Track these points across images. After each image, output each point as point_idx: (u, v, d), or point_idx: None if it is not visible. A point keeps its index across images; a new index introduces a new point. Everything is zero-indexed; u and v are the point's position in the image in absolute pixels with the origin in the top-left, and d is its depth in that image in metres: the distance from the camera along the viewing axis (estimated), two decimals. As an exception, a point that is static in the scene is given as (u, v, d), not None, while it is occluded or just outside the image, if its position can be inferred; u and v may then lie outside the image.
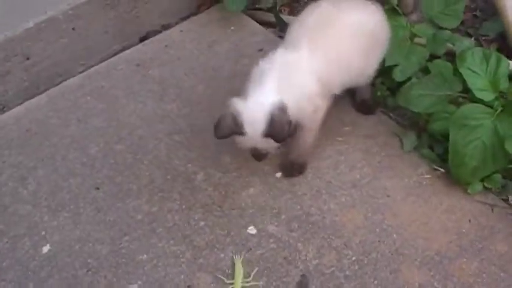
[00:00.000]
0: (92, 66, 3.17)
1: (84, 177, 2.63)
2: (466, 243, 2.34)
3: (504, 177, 2.52)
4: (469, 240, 2.35)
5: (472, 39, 3.10)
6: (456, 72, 2.56)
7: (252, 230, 2.40)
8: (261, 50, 3.12)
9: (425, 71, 2.73)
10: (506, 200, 2.47)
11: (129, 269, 2.32)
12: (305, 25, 2.44)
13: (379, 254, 2.32)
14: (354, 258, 2.31)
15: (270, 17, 3.35)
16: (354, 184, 2.53)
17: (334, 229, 2.39)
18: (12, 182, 2.63)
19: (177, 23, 3.40)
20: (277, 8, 3.37)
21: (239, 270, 2.26)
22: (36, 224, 2.48)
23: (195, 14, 3.44)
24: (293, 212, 2.45)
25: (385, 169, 2.58)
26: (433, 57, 2.77)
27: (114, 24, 3.17)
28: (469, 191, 2.48)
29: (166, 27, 3.37)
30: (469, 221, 2.40)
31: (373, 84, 2.77)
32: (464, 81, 2.48)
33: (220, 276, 2.28)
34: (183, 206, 2.49)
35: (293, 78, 2.34)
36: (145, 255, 2.35)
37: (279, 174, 2.53)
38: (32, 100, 3.00)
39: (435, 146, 2.63)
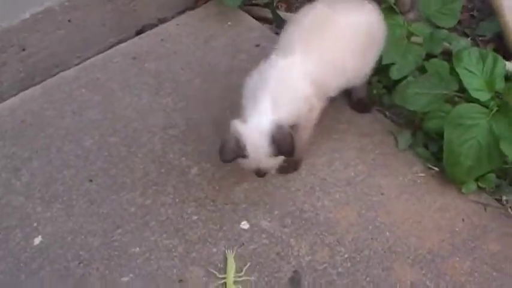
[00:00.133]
0: (88, 58, 3.15)
1: (78, 169, 2.62)
2: (459, 242, 2.33)
3: (498, 177, 2.52)
4: (461, 239, 2.34)
5: (469, 39, 3.10)
6: (452, 72, 2.55)
7: (244, 225, 2.40)
8: (257, 45, 3.12)
9: (422, 69, 2.72)
10: (499, 200, 2.47)
11: (122, 261, 2.31)
12: (300, 27, 2.43)
13: (371, 252, 2.31)
14: (346, 255, 2.30)
15: (267, 13, 3.34)
16: (348, 181, 2.52)
17: (328, 226, 2.38)
18: (6, 173, 2.62)
19: (173, 17, 3.39)
20: (274, 4, 3.36)
21: (231, 265, 2.25)
22: (29, 215, 2.46)
23: (192, 8, 3.43)
24: (286, 208, 2.44)
25: (379, 167, 2.57)
26: (429, 56, 2.77)
27: (111, 17, 3.16)
28: (463, 190, 2.48)
29: (162, 20, 3.36)
30: (462, 220, 2.40)
31: (369, 82, 2.76)
32: (460, 81, 2.47)
33: (212, 270, 2.27)
34: (177, 200, 2.48)
35: (287, 85, 2.32)
36: (137, 248, 2.34)
37: (273, 171, 2.52)
38: (27, 91, 2.99)
39: (430, 145, 2.63)
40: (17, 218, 2.45)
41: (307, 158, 2.57)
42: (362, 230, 2.37)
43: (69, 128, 2.78)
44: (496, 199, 2.47)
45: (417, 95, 2.54)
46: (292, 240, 2.35)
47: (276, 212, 2.43)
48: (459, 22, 2.98)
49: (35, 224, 2.44)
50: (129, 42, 3.24)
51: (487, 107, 2.43)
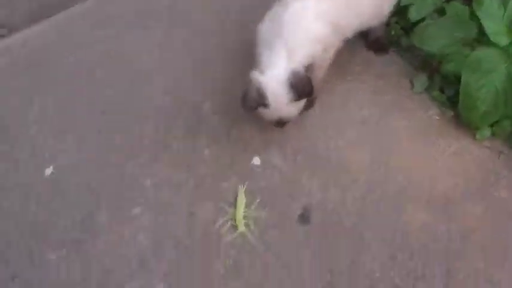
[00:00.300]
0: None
1: (90, 101, 2.59)
2: (472, 187, 2.29)
3: (513, 125, 2.46)
4: (474, 185, 2.30)
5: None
6: (472, 16, 2.47)
7: (256, 160, 2.37)
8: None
9: (441, 12, 2.63)
10: (513, 148, 2.42)
11: (132, 193, 2.29)
12: None
13: (383, 193, 2.28)
14: (357, 195, 2.27)
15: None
16: (362, 122, 2.48)
17: (340, 165, 2.35)
18: (17, 105, 2.59)
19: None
20: None
21: (242, 200, 2.23)
22: (40, 146, 2.45)
23: None
24: (299, 146, 2.41)
25: (394, 109, 2.52)
26: (449, -2, 2.69)
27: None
28: (477, 135, 2.43)
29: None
30: (476, 165, 2.36)
31: (387, 23, 2.68)
32: (479, 26, 2.40)
33: (222, 204, 2.24)
34: (189, 134, 2.46)
35: (301, 27, 2.25)
36: (148, 181, 2.32)
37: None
38: (40, 24, 2.93)
39: (446, 89, 2.56)
40: (29, 149, 2.43)
41: (321, 97, 2.51)
42: (374, 171, 2.33)
43: (81, 60, 2.74)
44: (510, 146, 2.41)
45: (436, 37, 2.47)
46: (303, 177, 2.32)
47: (289, 149, 2.40)
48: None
49: (47, 155, 2.42)
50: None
51: (506, 52, 2.35)
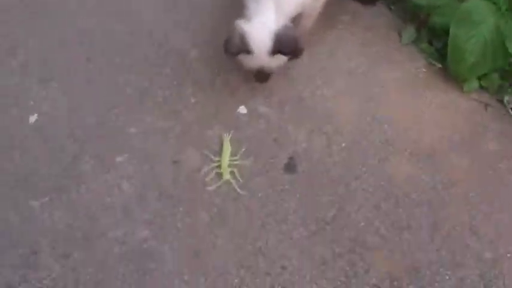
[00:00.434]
0: None
1: (75, 50, 2.51)
2: (458, 139, 2.26)
3: (502, 79, 2.40)
4: (461, 137, 2.26)
5: None
6: (461, -32, 2.40)
7: (242, 109, 2.31)
8: None
9: (430, -37, 2.56)
10: (501, 101, 2.37)
11: (117, 141, 2.23)
12: None
13: (369, 143, 2.23)
14: (343, 144, 2.22)
15: None
16: (349, 72, 2.42)
17: (326, 114, 2.30)
18: (1, 52, 2.50)
19: None
20: None
21: (227, 148, 2.17)
22: (25, 94, 2.37)
23: None
24: (286, 95, 2.35)
25: (382, 60, 2.46)
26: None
27: None
28: (465, 88, 2.38)
29: None
30: (463, 117, 2.31)
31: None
32: (469, -23, 2.33)
33: (207, 153, 2.19)
34: (175, 82, 2.39)
35: None
36: (133, 129, 2.26)
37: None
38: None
39: (434, 41, 2.51)
40: (13, 97, 2.35)
41: (309, 47, 2.44)
42: (360, 121, 2.28)
43: (69, 9, 2.64)
44: (497, 99, 2.38)
45: (425, -12, 2.41)
46: (289, 126, 2.27)
47: (275, 98, 2.34)
48: None
49: (31, 103, 2.35)
50: None
51: (496, 4, 2.29)
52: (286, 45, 2.12)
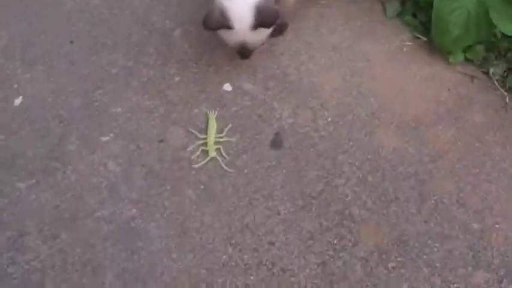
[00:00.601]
0: None
1: (58, 32, 2.44)
2: (444, 111, 2.21)
3: (487, 51, 2.36)
4: (446, 109, 2.22)
5: None
6: None
7: (227, 87, 2.26)
8: None
9: None
10: (486, 73, 2.33)
11: (102, 121, 2.18)
12: None
13: (355, 116, 2.18)
14: (329, 119, 2.17)
15: None
16: (333, 47, 2.36)
17: (311, 90, 2.25)
18: (-17, 36, 2.43)
19: None
20: None
21: (212, 126, 2.13)
22: (9, 77, 2.31)
23: None
24: (270, 71, 2.29)
25: (366, 34, 2.41)
26: None
27: None
28: (450, 60, 2.33)
29: None
30: (448, 90, 2.26)
31: None
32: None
33: (193, 131, 2.14)
34: (159, 62, 2.33)
35: None
36: (118, 109, 2.21)
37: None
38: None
39: (419, 14, 2.46)
40: (-3, 80, 2.28)
41: (293, 23, 2.40)
42: (346, 95, 2.23)
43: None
44: (483, 71, 2.33)
45: (408, -40, 2.35)
46: (275, 102, 2.22)
47: (260, 75, 2.28)
48: None
49: (16, 86, 2.29)
50: None
51: (479, -25, 2.24)
52: (267, 18, 2.06)
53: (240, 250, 1.92)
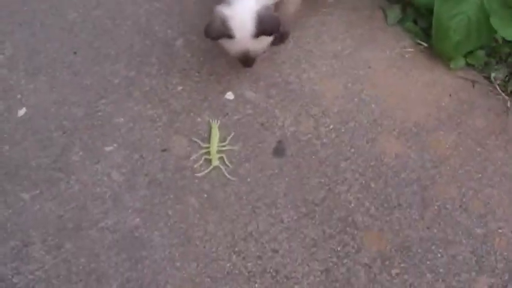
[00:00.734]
0: None
1: (62, 42, 2.45)
2: (445, 116, 2.21)
3: (488, 56, 2.36)
4: (448, 114, 2.22)
5: None
6: None
7: (229, 95, 2.26)
8: None
9: None
10: (487, 77, 2.33)
11: (105, 131, 2.18)
12: None
13: (356, 123, 2.18)
14: (331, 126, 2.17)
15: None
16: (335, 54, 2.37)
17: (313, 97, 2.25)
18: (-12, 46, 2.44)
19: None
20: None
21: (215, 134, 2.12)
22: (12, 87, 2.31)
23: None
24: (272, 79, 2.30)
25: (367, 41, 2.41)
26: None
27: None
28: (451, 65, 2.34)
29: None
30: (449, 95, 2.26)
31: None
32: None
33: (196, 139, 2.14)
34: (161, 71, 2.33)
35: None
36: (121, 119, 2.21)
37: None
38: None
39: (419, 21, 2.47)
40: (0, 90, 2.30)
41: (294, 31, 2.40)
42: (347, 102, 2.23)
43: (53, 1, 2.58)
44: (484, 76, 2.33)
45: (408, -32, 2.35)
46: (277, 111, 2.22)
47: (261, 83, 2.29)
48: None
49: (19, 96, 2.29)
50: None
51: (479, -19, 2.24)
52: (269, 25, 2.06)
53: (243, 258, 1.91)
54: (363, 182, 2.05)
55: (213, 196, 2.03)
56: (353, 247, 1.93)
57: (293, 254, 1.92)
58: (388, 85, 2.27)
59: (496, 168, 2.08)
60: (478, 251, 1.92)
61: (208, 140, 2.13)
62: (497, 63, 2.37)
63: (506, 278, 1.87)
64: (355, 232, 1.96)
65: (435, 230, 1.96)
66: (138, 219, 1.99)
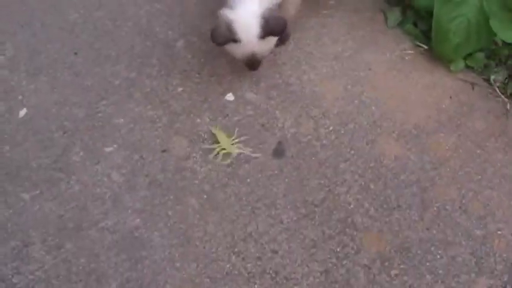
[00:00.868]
0: None
1: (63, 43, 2.45)
2: (445, 119, 2.21)
3: (487, 58, 2.36)
4: (447, 116, 2.22)
5: None
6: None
7: (230, 96, 2.27)
8: None
9: None
10: (487, 80, 2.33)
11: (106, 132, 2.19)
12: None
13: (356, 125, 2.19)
14: (331, 128, 2.18)
15: None
16: (335, 56, 2.37)
17: (313, 99, 2.25)
18: (-11, 47, 2.45)
19: None
20: None
21: (221, 133, 2.13)
22: (13, 88, 2.32)
23: None
24: (272, 81, 2.30)
25: (368, 43, 2.42)
26: None
27: None
28: (451, 68, 2.34)
29: None
30: (449, 97, 2.27)
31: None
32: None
33: (196, 141, 2.15)
34: (162, 72, 2.34)
35: None
36: (122, 119, 2.21)
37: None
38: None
39: (419, 23, 2.47)
40: (1, 91, 2.31)
41: (295, 32, 2.41)
42: (347, 104, 2.24)
43: (54, 2, 2.59)
44: (484, 79, 2.34)
45: (408, -30, 2.36)
46: (277, 112, 2.22)
47: (262, 85, 2.29)
48: None
49: (20, 97, 2.30)
50: None
51: (478, -16, 2.25)
52: (276, 26, 2.07)
53: (243, 259, 1.92)
54: (363, 183, 2.05)
55: (213, 197, 2.03)
56: (352, 248, 1.93)
57: (292, 254, 1.92)
58: (388, 87, 2.28)
59: (495, 170, 2.09)
60: (477, 252, 1.92)
61: (209, 140, 2.15)
62: (496, 65, 2.37)
63: (506, 279, 1.87)
64: (355, 233, 1.96)
65: (435, 231, 1.96)
66: (138, 220, 2.00)
